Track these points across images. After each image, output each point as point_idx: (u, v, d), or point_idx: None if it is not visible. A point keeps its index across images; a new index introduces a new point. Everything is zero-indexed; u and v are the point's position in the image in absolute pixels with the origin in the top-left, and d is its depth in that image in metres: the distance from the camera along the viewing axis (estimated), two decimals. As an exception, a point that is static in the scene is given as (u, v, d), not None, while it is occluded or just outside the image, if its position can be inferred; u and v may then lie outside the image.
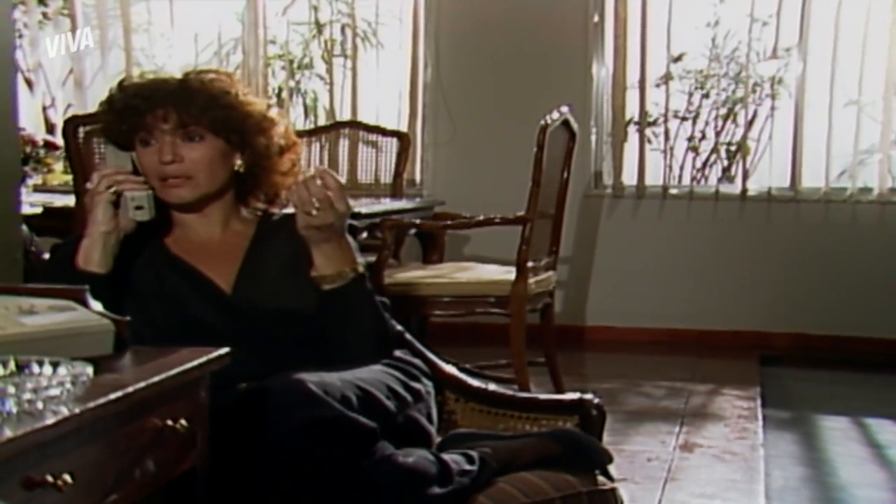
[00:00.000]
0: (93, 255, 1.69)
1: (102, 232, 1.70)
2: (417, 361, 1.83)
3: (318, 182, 1.64)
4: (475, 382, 1.91)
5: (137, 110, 1.72)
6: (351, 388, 1.54)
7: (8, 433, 0.94)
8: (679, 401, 3.93)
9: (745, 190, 5.07)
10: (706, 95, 5.41)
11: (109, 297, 1.51)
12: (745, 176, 5.11)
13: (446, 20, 5.24)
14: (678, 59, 5.31)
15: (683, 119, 5.39)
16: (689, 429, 3.51)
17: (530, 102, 4.88)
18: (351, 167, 4.63)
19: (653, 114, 5.29)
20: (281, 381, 1.51)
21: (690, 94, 5.41)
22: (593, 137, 5.18)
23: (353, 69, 5.41)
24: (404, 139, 4.61)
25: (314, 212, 1.64)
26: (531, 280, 3.44)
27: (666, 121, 5.21)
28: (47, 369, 1.08)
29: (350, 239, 1.75)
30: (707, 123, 5.42)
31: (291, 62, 5.70)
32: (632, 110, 5.21)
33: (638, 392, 4.10)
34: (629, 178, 5.19)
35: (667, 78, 5.18)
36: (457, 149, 5.24)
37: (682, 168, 5.38)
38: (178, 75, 1.79)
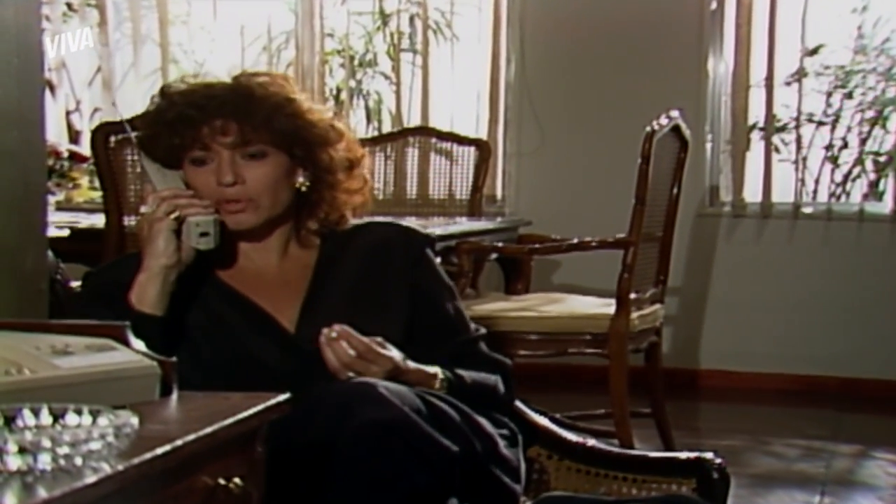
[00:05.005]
0: (149, 292, 1.71)
1: (164, 265, 1.71)
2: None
3: (344, 344, 1.66)
4: (571, 436, 1.92)
5: (192, 122, 1.74)
6: (433, 408, 1.58)
7: (42, 494, 0.96)
8: (818, 464, 3.87)
9: (896, 209, 5.00)
10: (849, 95, 5.34)
11: (164, 344, 1.54)
12: (898, 192, 5.03)
13: (532, 8, 5.27)
14: (814, 51, 5.26)
15: (820, 124, 5.33)
16: (833, 499, 3.45)
17: (633, 105, 4.88)
18: (421, 181, 4.67)
19: (782, 118, 5.24)
20: (343, 385, 1.57)
21: (829, 94, 5.35)
22: (709, 146, 5.14)
23: (424, 66, 5.47)
24: (484, 148, 4.64)
25: (353, 376, 1.66)
26: (634, 315, 3.43)
27: (798, 126, 5.15)
28: (86, 419, 1.10)
29: (413, 365, 1.75)
30: (849, 129, 5.35)
31: (352, 59, 5.79)
32: (756, 114, 5.17)
33: (766, 452, 4.05)
34: (752, 194, 5.14)
35: (800, 75, 5.13)
36: (545, 159, 5.26)
37: (817, 182, 5.31)
38: (227, 78, 1.83)
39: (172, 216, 1.71)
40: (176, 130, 1.75)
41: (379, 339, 1.70)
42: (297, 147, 1.80)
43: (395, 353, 1.70)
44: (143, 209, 1.75)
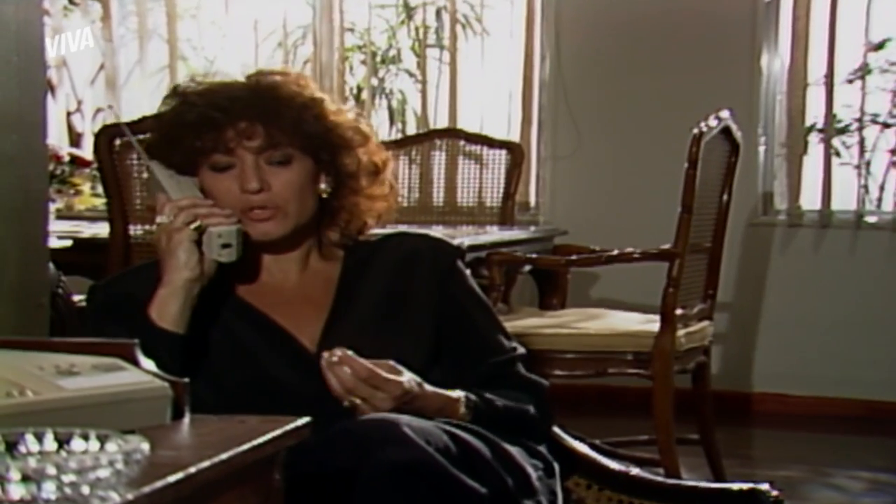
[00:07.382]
0: (171, 308, 1.72)
1: (187, 279, 1.72)
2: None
3: (347, 370, 1.65)
4: (612, 464, 1.93)
5: (215, 124, 1.75)
6: (463, 445, 1.57)
7: (47, 524, 0.98)
8: (885, 499, 3.85)
9: (970, 218, 4.98)
10: (918, 95, 5.32)
11: (184, 364, 1.55)
12: (972, 200, 5.01)
13: (569, 0, 5.28)
14: (880, 46, 5.25)
15: (885, 126, 5.31)
16: (900, 538, 3.44)
17: (679, 105, 4.88)
18: (448, 187, 4.68)
19: (843, 118, 5.22)
20: (364, 422, 1.56)
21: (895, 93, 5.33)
22: (762, 149, 5.14)
23: (452, 64, 5.49)
24: (516, 152, 4.65)
25: (358, 401, 1.65)
26: (680, 332, 3.43)
27: (861, 127, 5.14)
28: (94, 445, 1.10)
29: (431, 389, 1.73)
30: (917, 131, 5.33)
31: (374, 55, 5.82)
32: (814, 114, 5.16)
33: (826, 483, 4.03)
34: (810, 201, 5.12)
35: (863, 72, 5.11)
36: (582, 164, 5.26)
37: (882, 189, 5.29)
38: (241, 77, 1.84)
39: (193, 226, 1.72)
40: (198, 133, 1.75)
41: (390, 362, 1.69)
42: (324, 151, 1.81)
43: (405, 378, 1.68)
44: (159, 219, 1.75)
